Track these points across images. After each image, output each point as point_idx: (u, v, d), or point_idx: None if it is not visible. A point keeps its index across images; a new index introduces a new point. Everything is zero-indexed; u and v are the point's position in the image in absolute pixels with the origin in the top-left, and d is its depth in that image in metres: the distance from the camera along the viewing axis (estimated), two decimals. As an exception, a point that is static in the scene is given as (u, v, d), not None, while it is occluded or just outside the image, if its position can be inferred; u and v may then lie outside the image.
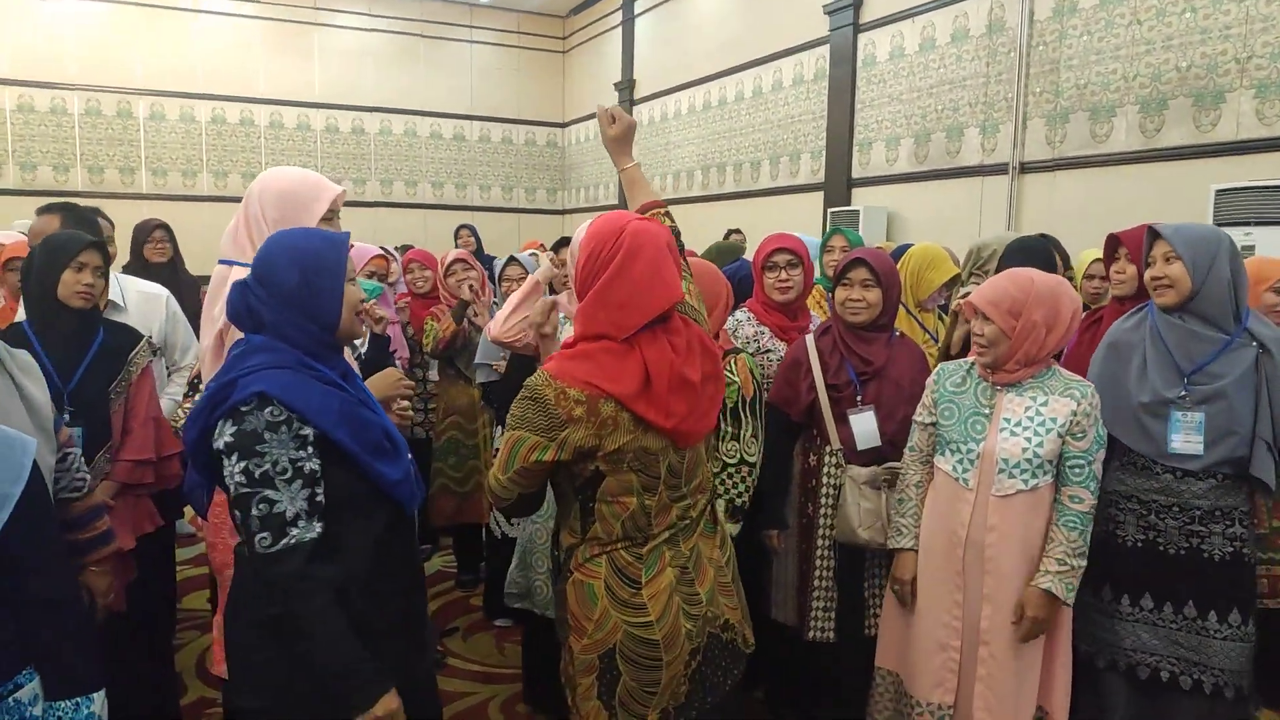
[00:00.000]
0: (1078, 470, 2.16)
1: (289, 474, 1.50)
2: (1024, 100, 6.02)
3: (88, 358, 2.49)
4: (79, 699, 1.51)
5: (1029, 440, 2.17)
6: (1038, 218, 5.88)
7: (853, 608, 2.53)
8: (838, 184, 7.69)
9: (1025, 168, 6.06)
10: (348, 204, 2.74)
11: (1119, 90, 5.41)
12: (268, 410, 1.51)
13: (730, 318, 2.90)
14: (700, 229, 8.07)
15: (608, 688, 1.68)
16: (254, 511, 1.48)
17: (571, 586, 1.72)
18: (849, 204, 7.53)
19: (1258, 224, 4.48)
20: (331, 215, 2.21)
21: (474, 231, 6.81)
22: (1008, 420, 2.21)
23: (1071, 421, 2.16)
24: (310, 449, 1.53)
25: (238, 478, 1.49)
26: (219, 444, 1.52)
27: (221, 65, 10.92)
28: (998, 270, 3.06)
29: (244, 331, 1.66)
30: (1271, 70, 4.65)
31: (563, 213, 13.26)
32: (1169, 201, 5.04)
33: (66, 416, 2.39)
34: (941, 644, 2.25)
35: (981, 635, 2.18)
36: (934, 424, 2.34)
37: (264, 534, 1.49)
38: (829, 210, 7.59)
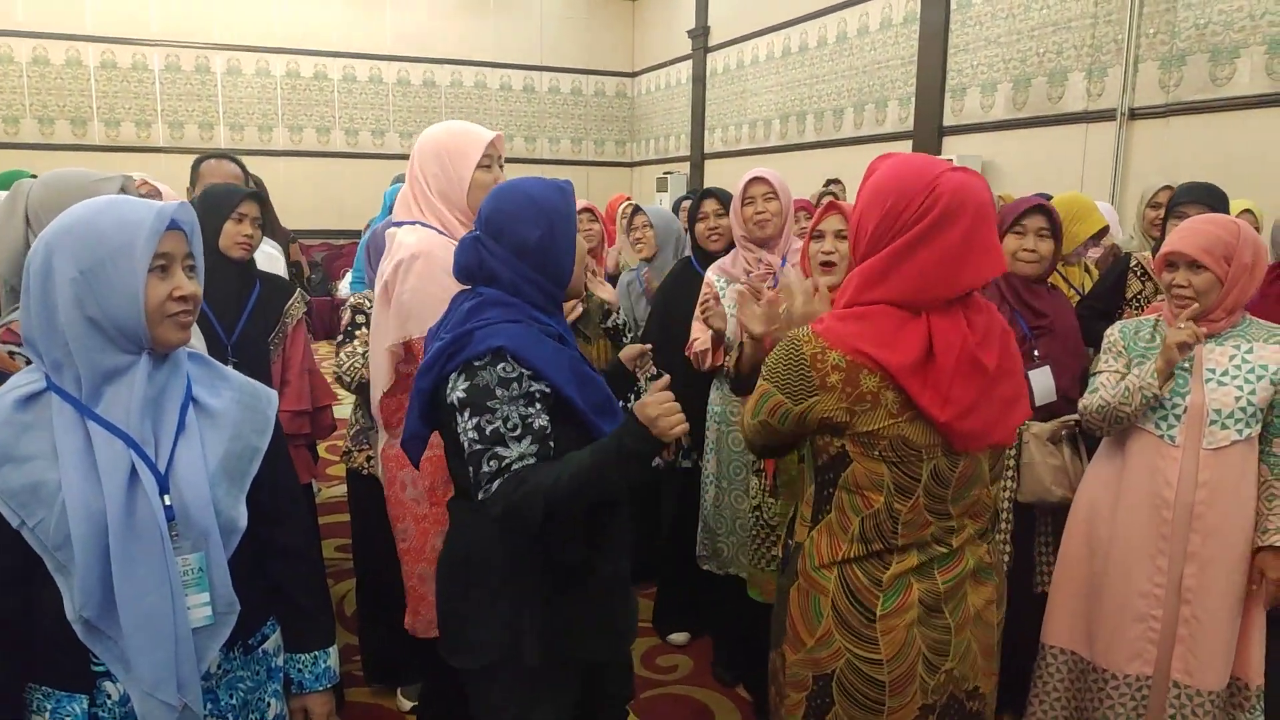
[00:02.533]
0: None
1: (519, 430, 1.50)
2: (1135, 42, 5.76)
3: (247, 309, 2.53)
4: (317, 652, 1.53)
5: (1240, 389, 2.10)
6: (1149, 167, 5.65)
7: (1026, 568, 2.49)
8: (928, 132, 7.48)
9: (1135, 114, 5.82)
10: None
11: (1244, 30, 5.14)
12: (500, 366, 1.52)
13: None
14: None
15: (816, 714, 1.51)
16: (484, 468, 1.49)
17: (796, 592, 1.54)
18: (940, 153, 7.33)
19: (1401, 170, 4.26)
20: (490, 161, 2.22)
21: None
22: (1212, 371, 2.14)
23: None
24: (539, 405, 1.53)
25: (470, 434, 1.50)
26: (452, 398, 1.53)
27: (297, 20, 10.96)
28: (1168, 216, 2.98)
29: (471, 285, 1.66)
30: None
31: (631, 165, 13.16)
32: (1299, 147, 4.81)
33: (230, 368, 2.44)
34: (1140, 614, 2.17)
35: (1183, 594, 2.12)
36: (1125, 374, 2.24)
37: (492, 486, 1.49)
38: (918, 159, 7.39)
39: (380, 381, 2.20)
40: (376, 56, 11.41)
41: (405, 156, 2.29)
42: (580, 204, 4.19)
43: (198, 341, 2.06)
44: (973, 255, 1.39)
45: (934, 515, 1.47)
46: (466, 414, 1.51)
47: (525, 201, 1.61)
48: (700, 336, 2.82)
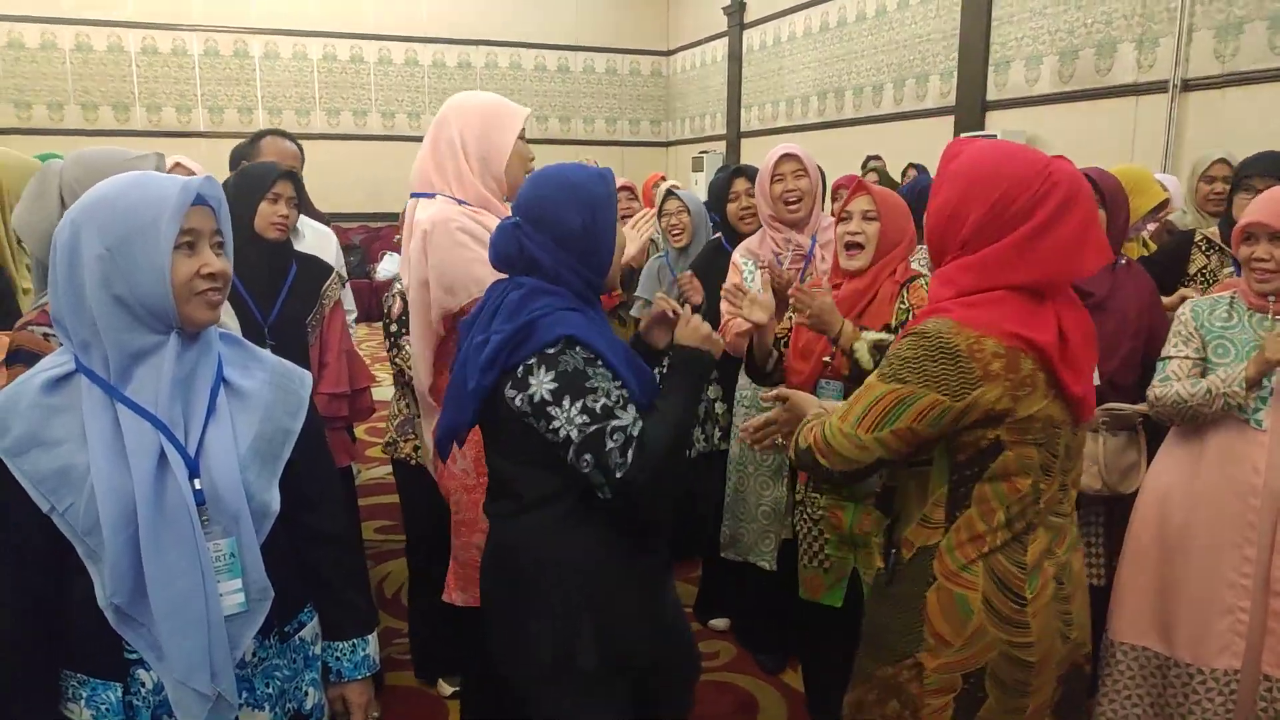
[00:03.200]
0: None
1: (622, 401, 1.50)
2: (1189, 10, 5.55)
3: (284, 290, 2.51)
4: (355, 640, 1.50)
5: None
6: (1203, 141, 5.45)
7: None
8: (971, 107, 7.30)
9: (1188, 85, 5.61)
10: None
11: (1306, -5, 4.93)
12: (577, 349, 1.50)
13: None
14: (819, 158, 7.80)
15: (966, 712, 1.49)
16: (609, 444, 1.45)
17: (936, 595, 1.49)
18: (983, 128, 7.16)
19: None
20: (524, 135, 2.20)
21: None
22: None
23: None
24: (618, 381, 1.54)
25: (579, 418, 1.46)
26: (540, 393, 1.48)
27: (332, 3, 10.99)
28: (1235, 189, 2.85)
29: (509, 274, 1.62)
30: None
31: (667, 145, 13.05)
32: (1364, 117, 4.61)
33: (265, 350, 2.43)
34: (1228, 606, 2.06)
35: (1273, 585, 2.01)
36: (1200, 358, 2.14)
37: (621, 459, 1.45)
38: (961, 135, 7.22)
39: (423, 371, 2.18)
40: (412, 39, 11.41)
41: (442, 139, 2.23)
42: (619, 181, 4.13)
43: (231, 323, 2.05)
44: (1089, 242, 1.43)
45: (1063, 490, 1.52)
46: (567, 401, 1.47)
47: (567, 188, 1.57)
48: (734, 320, 2.76)
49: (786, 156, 2.78)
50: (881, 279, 2.26)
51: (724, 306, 2.79)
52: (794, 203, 2.76)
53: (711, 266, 3.12)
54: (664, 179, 5.42)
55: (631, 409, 1.50)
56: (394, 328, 2.57)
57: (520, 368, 1.50)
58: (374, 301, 7.78)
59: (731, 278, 2.82)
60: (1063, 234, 1.40)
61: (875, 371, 1.51)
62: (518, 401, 1.50)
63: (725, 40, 11.13)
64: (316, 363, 2.56)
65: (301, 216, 3.30)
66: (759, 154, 10.23)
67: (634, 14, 12.55)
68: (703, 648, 3.14)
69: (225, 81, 10.79)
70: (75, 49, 10.19)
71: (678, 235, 3.58)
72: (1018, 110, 6.97)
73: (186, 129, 10.64)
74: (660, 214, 3.63)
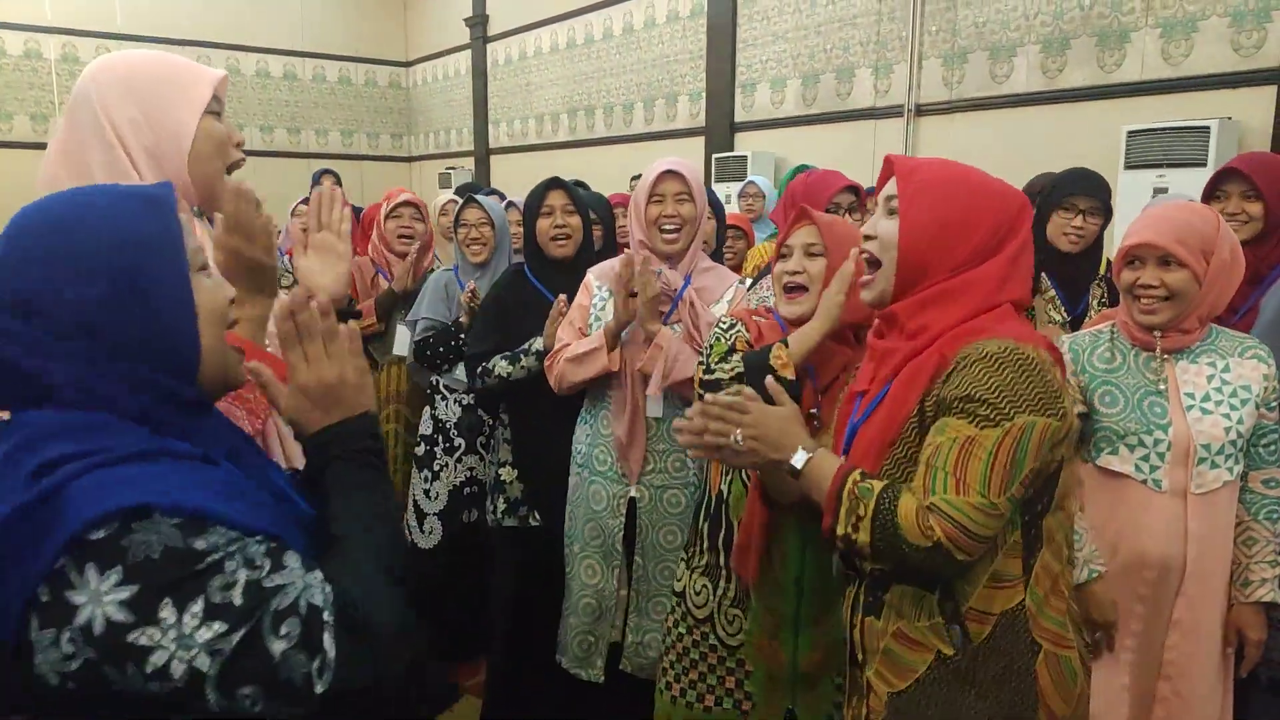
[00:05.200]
0: (1274, 447, 1.82)
1: (269, 558, 0.88)
2: (919, 39, 5.83)
3: None
4: None
5: (1228, 417, 1.76)
6: (936, 162, 5.74)
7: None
8: (720, 128, 7.33)
9: (921, 110, 5.90)
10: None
11: (1019, 29, 5.29)
12: (155, 518, 0.83)
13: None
14: (574, 176, 7.53)
15: None
16: (278, 645, 0.83)
17: (1044, 666, 1.25)
18: (733, 149, 7.21)
19: (1169, 166, 4.46)
20: (219, 108, 1.44)
21: (338, 179, 5.99)
22: (1191, 396, 1.79)
23: (1265, 389, 1.79)
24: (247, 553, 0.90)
25: (204, 633, 0.81)
26: (105, 615, 0.79)
27: (-3, -14, 9.31)
28: (1051, 206, 2.66)
29: None
30: (1177, 9, 4.61)
31: (410, 159, 12.32)
32: (1075, 143, 4.98)
33: None
34: (1114, 693, 1.83)
35: (1164, 669, 1.81)
36: (1080, 415, 1.87)
37: (313, 662, 0.85)
38: (712, 156, 7.24)
39: None
40: (104, 35, 9.90)
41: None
42: (404, 196, 3.49)
43: None
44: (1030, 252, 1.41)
45: None
46: (167, 611, 0.80)
47: (56, 235, 0.89)
48: (571, 341, 2.29)
49: (669, 174, 2.30)
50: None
51: (563, 329, 2.35)
52: (671, 232, 2.30)
53: (513, 298, 2.65)
54: (406, 193, 4.85)
55: (292, 560, 0.87)
56: None
57: (44, 589, 0.80)
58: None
59: (581, 299, 2.38)
60: (1029, 249, 1.39)
61: (955, 420, 1.22)
62: (65, 649, 0.79)
63: (469, 53, 10.64)
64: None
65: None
66: (510, 171, 9.93)
67: (367, 21, 11.71)
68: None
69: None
70: None
71: (477, 250, 3.05)
72: (765, 131, 7.07)
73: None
74: (457, 224, 3.09)
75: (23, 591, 0.79)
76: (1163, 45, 4.69)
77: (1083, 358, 1.91)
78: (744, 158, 6.87)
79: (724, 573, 1.81)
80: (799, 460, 1.29)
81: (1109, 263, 2.43)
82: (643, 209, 2.31)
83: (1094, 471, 1.89)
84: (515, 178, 9.08)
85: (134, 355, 0.90)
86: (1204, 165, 4.24)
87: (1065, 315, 2.68)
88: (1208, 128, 4.30)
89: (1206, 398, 1.79)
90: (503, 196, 5.21)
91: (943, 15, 5.68)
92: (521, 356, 2.46)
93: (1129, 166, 4.57)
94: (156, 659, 0.79)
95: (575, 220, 2.58)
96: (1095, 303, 2.68)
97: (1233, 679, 1.87)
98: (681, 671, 1.80)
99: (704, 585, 1.80)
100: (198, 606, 0.81)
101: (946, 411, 1.23)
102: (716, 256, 2.86)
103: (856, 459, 1.33)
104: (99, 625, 0.79)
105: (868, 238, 1.39)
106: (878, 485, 1.23)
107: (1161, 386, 1.82)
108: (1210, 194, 2.39)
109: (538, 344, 2.46)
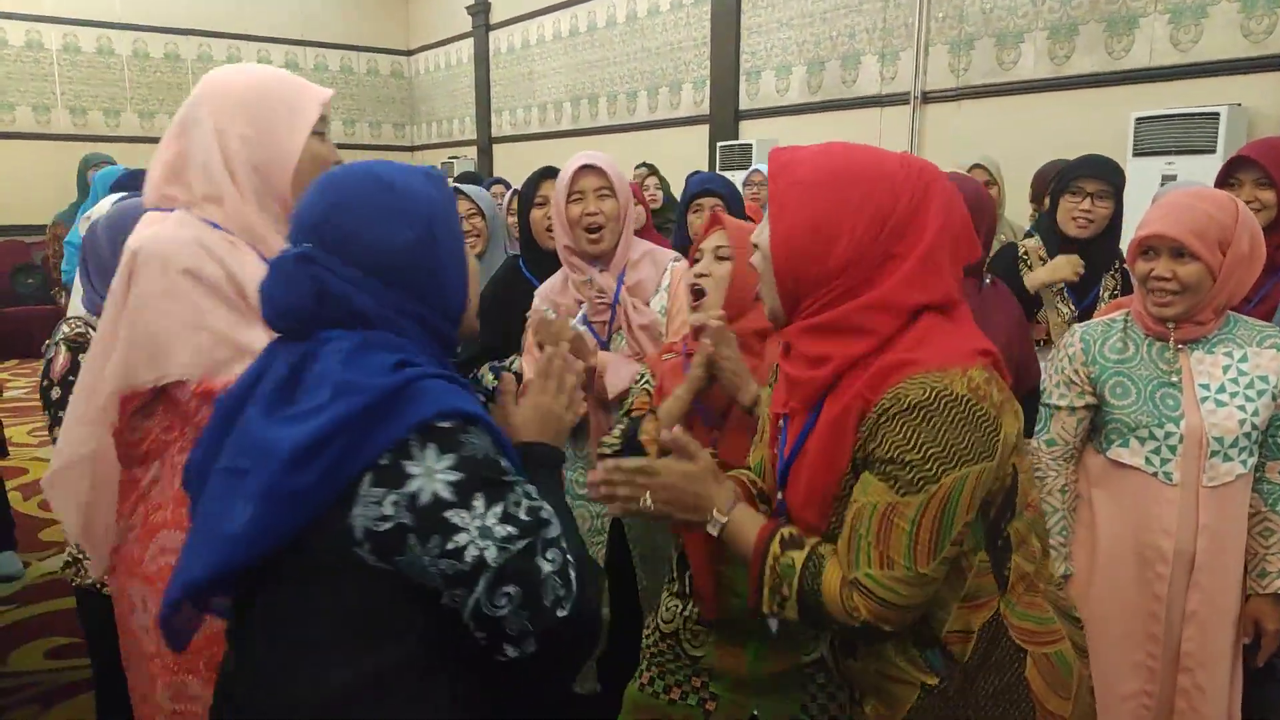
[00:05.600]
0: None
1: (544, 506, 1.05)
2: (925, 26, 5.79)
3: None
4: None
5: (1243, 409, 1.72)
6: (941, 149, 5.70)
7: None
8: (724, 116, 7.30)
9: (927, 97, 5.86)
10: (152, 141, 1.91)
11: (1027, 15, 5.25)
12: (479, 428, 1.02)
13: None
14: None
15: None
16: (546, 567, 0.98)
17: (1035, 669, 1.19)
18: (737, 137, 7.18)
19: (1178, 153, 4.42)
20: (324, 129, 1.52)
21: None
22: (1205, 387, 1.75)
23: None
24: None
25: (501, 530, 0.96)
26: (434, 490, 0.94)
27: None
28: (1060, 191, 2.64)
29: (298, 338, 1.04)
30: (1186, -5, 4.57)
31: (413, 149, 12.29)
32: (1083, 131, 4.94)
33: None
34: (1133, 691, 1.83)
35: (1183, 662, 1.80)
36: (1089, 406, 1.86)
37: (564, 590, 1.00)
38: (717, 144, 7.21)
39: (76, 494, 1.45)
40: (105, 25, 9.86)
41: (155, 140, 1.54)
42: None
43: None
44: (968, 229, 1.21)
45: None
46: (479, 503, 0.96)
47: (380, 189, 1.05)
48: (530, 370, 2.19)
49: (586, 169, 2.19)
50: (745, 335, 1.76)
51: (527, 360, 2.24)
52: (594, 231, 2.16)
53: (507, 295, 2.50)
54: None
55: (552, 514, 1.03)
56: (56, 393, 1.84)
57: (386, 455, 0.95)
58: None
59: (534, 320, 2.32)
60: (953, 221, 1.18)
61: (877, 481, 1.12)
62: (385, 509, 0.94)
63: (471, 41, 10.60)
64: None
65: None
66: (513, 160, 9.86)
67: (369, 10, 11.68)
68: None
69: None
70: (132, 55, 7.90)
71: (471, 242, 2.95)
72: (770, 120, 7.04)
73: None
74: None
75: (369, 453, 0.94)
76: (1171, 31, 4.65)
77: (1094, 348, 1.88)
78: (749, 146, 6.84)
79: (691, 597, 1.81)
80: (714, 528, 1.22)
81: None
82: (563, 209, 2.19)
83: (1105, 463, 1.87)
84: (518, 167, 9.05)
85: (421, 297, 1.06)
86: (1213, 152, 4.22)
87: (1073, 308, 2.66)
88: (1217, 114, 4.27)
89: (1222, 389, 1.75)
90: (508, 185, 5.20)
91: (949, 1, 5.63)
92: (502, 372, 2.39)
93: (1138, 153, 4.54)
94: (459, 539, 0.95)
95: None
96: (1106, 294, 2.66)
97: (1242, 670, 1.86)
98: (655, 673, 1.81)
99: (673, 604, 1.81)
100: (499, 508, 0.97)
101: (870, 468, 1.14)
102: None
103: (796, 507, 1.25)
104: (425, 496, 0.94)
105: (755, 246, 1.26)
106: (799, 559, 1.16)
107: (1175, 378, 1.79)
108: (1223, 182, 2.36)
109: (518, 363, 2.35)
